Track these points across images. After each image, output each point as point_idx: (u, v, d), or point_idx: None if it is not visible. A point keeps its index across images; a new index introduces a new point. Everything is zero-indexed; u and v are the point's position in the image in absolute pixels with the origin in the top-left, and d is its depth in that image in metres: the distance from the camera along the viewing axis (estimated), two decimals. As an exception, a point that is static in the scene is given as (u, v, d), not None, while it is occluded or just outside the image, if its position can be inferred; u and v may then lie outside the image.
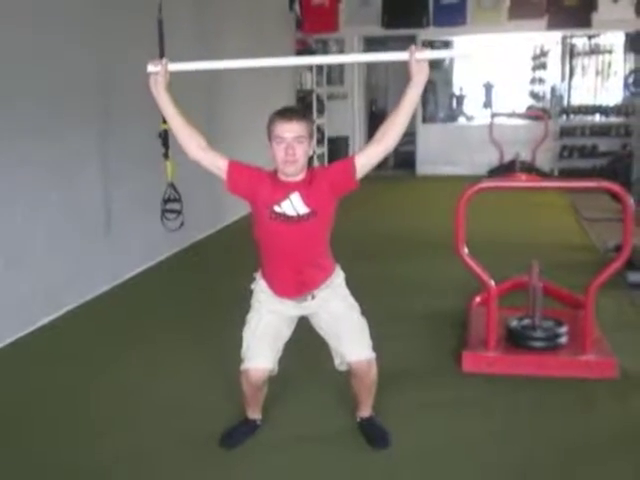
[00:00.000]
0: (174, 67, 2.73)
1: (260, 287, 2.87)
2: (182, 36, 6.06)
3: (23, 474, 2.83)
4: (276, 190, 2.70)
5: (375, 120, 13.30)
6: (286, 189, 2.69)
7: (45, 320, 4.52)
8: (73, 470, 2.83)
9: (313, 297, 2.81)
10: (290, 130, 2.62)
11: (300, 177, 2.70)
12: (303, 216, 2.68)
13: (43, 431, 3.14)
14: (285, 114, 2.67)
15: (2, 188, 4.16)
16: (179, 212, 4.80)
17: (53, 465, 2.87)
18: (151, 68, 2.70)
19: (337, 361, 2.92)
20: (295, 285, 2.78)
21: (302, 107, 9.50)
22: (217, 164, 2.76)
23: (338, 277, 2.88)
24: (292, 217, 2.68)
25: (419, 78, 2.64)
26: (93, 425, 3.20)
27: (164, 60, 2.73)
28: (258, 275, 2.89)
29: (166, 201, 4.79)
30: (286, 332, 2.89)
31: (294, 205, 2.68)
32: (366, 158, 2.72)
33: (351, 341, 2.83)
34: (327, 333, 2.88)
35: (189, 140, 2.77)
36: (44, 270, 4.55)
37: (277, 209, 2.69)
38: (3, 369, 3.87)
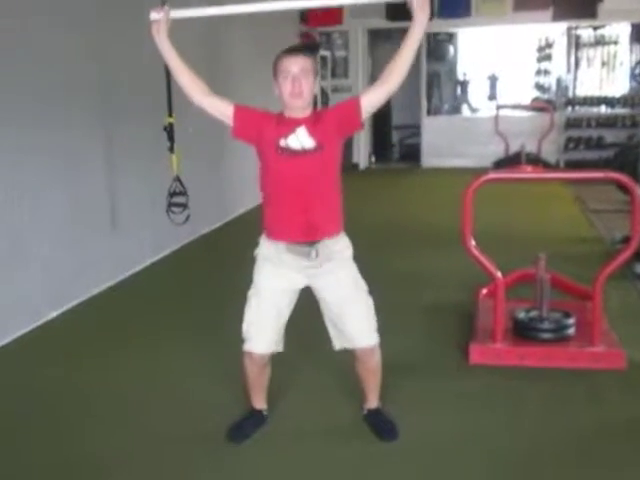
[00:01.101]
0: (176, 14, 2.73)
1: (263, 252, 2.84)
2: (185, 30, 6.03)
3: (29, 469, 2.83)
4: (282, 126, 2.71)
5: (380, 112, 13.26)
6: (292, 124, 2.70)
7: (52, 314, 4.53)
8: (78, 465, 2.83)
9: (317, 254, 2.74)
10: (296, 63, 2.66)
11: (306, 113, 2.72)
12: (309, 150, 2.68)
13: (49, 426, 3.15)
14: (291, 50, 2.71)
15: (8, 182, 4.16)
16: (185, 206, 4.79)
17: (58, 461, 2.87)
18: (154, 16, 2.70)
19: (335, 343, 2.92)
20: (302, 226, 2.72)
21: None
22: (222, 109, 2.77)
23: (348, 249, 2.86)
24: (298, 151, 2.68)
25: (421, 17, 2.64)
26: (100, 419, 3.20)
27: (166, 7, 2.71)
28: (262, 238, 2.85)
29: (172, 195, 4.77)
30: (286, 310, 2.86)
31: (300, 138, 2.68)
32: (370, 97, 2.74)
33: (357, 327, 2.83)
34: (331, 311, 2.85)
35: (192, 86, 2.76)
36: (50, 264, 4.55)
37: (282, 143, 2.68)
38: (10, 363, 3.88)
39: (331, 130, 2.71)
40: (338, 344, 2.92)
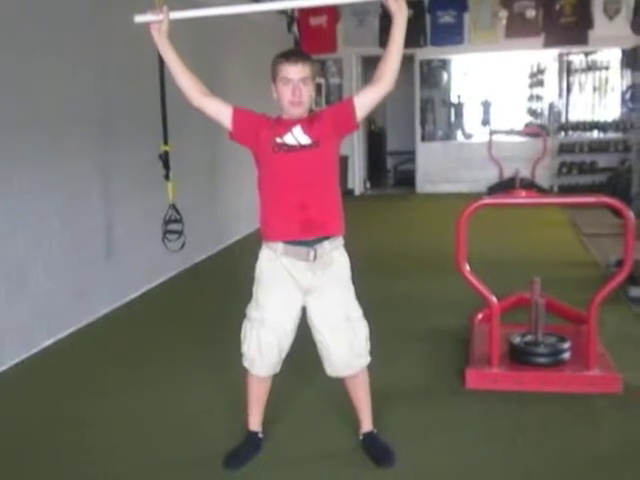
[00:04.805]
0: (175, 15, 2.76)
1: (262, 262, 2.84)
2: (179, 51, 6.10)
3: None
4: (279, 126, 2.75)
5: (375, 139, 13.38)
6: (289, 124, 2.74)
7: (47, 342, 4.52)
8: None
9: (315, 256, 2.75)
10: (296, 72, 2.69)
11: (303, 115, 2.76)
12: (305, 146, 2.72)
13: (47, 454, 3.13)
14: (291, 56, 2.72)
15: (4, 212, 4.17)
16: (180, 233, 4.81)
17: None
18: (151, 17, 2.72)
19: (328, 370, 2.93)
20: (300, 222, 2.73)
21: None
22: (222, 110, 2.80)
23: (346, 265, 2.87)
24: (294, 146, 2.72)
25: (399, 17, 2.71)
26: (97, 447, 3.18)
27: (165, 7, 2.74)
28: (262, 248, 2.86)
29: (167, 222, 4.80)
30: (290, 330, 2.85)
31: (295, 136, 2.72)
32: (364, 98, 2.78)
33: (340, 357, 2.85)
34: (321, 336, 2.85)
35: (192, 86, 2.79)
36: (46, 292, 4.55)
37: (278, 140, 2.72)
38: (5, 392, 3.87)
39: (327, 129, 2.75)
40: (329, 371, 2.94)
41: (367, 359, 2.92)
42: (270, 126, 2.77)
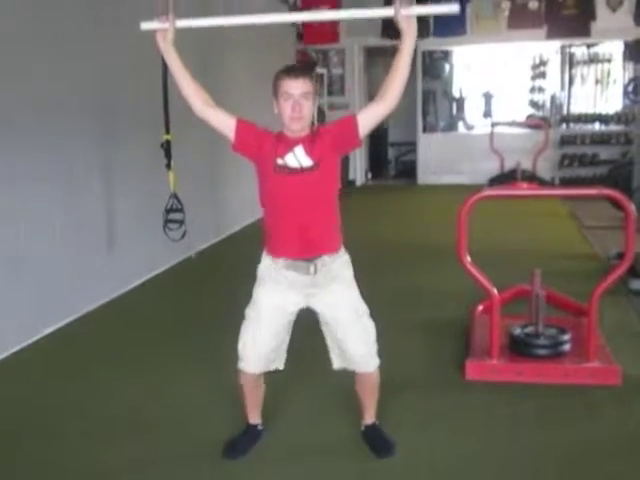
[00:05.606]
0: (181, 24, 2.75)
1: (264, 268, 2.84)
2: (184, 48, 6.08)
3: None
4: (280, 145, 2.72)
5: (376, 130, 13.34)
6: (290, 143, 2.71)
7: (48, 330, 4.52)
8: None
9: (315, 270, 2.74)
10: (297, 87, 2.65)
11: (305, 132, 2.73)
12: (306, 168, 2.69)
13: (46, 442, 3.14)
14: (292, 72, 2.70)
15: (5, 201, 4.17)
16: (182, 222, 4.81)
17: (57, 476, 2.87)
18: (157, 25, 2.72)
19: (335, 362, 2.92)
20: (300, 243, 2.73)
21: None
22: (225, 122, 2.77)
23: (347, 269, 2.86)
24: (295, 169, 2.69)
25: (408, 33, 2.70)
26: (95, 436, 3.19)
27: (171, 15, 2.72)
28: (264, 254, 2.85)
29: (169, 211, 4.80)
30: (283, 331, 2.85)
31: (297, 157, 2.69)
32: (367, 115, 2.75)
33: (358, 352, 2.83)
34: (331, 332, 2.85)
35: (196, 95, 2.77)
36: (47, 281, 4.55)
37: (280, 161, 2.69)
38: (6, 379, 3.87)
39: (328, 148, 2.71)
40: (338, 364, 2.92)
41: (377, 360, 2.90)
42: (272, 142, 2.73)
